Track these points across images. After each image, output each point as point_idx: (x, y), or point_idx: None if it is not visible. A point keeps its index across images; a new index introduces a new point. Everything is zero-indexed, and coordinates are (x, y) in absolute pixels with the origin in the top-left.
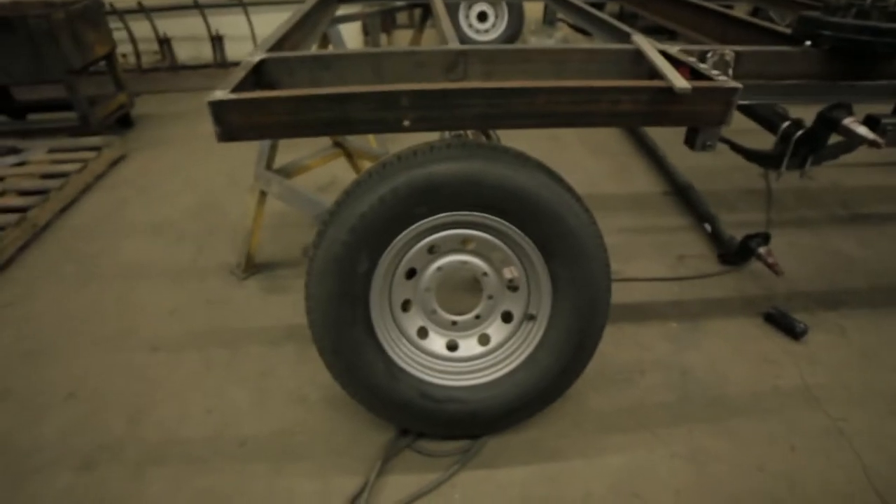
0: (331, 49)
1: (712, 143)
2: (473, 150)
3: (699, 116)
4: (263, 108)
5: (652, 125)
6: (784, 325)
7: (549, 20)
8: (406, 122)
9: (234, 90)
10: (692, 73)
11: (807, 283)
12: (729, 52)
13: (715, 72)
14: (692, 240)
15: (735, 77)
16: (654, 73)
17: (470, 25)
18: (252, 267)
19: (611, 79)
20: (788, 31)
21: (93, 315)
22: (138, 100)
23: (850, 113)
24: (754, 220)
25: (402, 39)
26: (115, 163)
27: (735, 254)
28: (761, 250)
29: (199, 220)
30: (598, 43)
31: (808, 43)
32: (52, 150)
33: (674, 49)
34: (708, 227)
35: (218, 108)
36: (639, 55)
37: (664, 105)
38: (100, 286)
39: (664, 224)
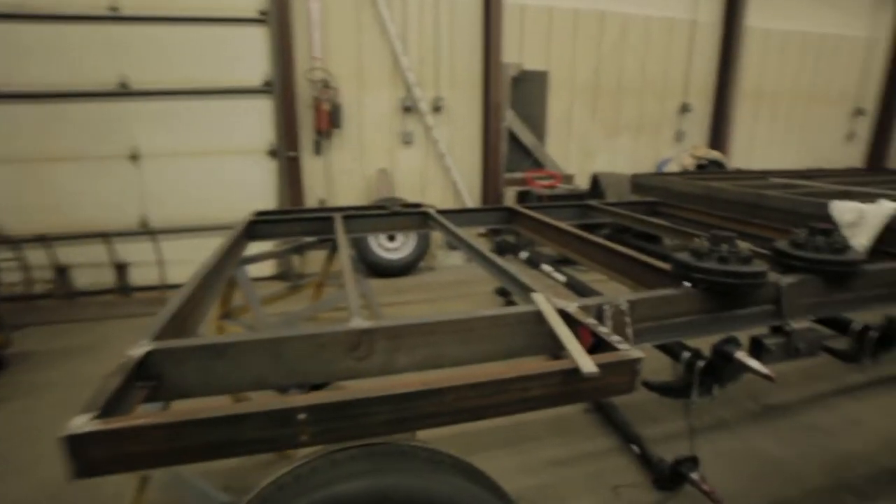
0: (227, 330)
1: None
2: (379, 460)
3: (608, 390)
4: (135, 438)
5: (563, 405)
6: None
7: (451, 245)
8: (304, 438)
9: (102, 413)
10: (592, 335)
11: (743, 499)
12: (623, 302)
13: (616, 338)
14: (622, 465)
15: (633, 322)
16: (556, 338)
17: (380, 245)
18: None
19: (517, 342)
20: (666, 266)
21: None
22: (21, 333)
23: (738, 345)
24: (677, 430)
25: (315, 260)
26: None
27: (669, 479)
28: (694, 476)
29: None
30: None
31: (688, 284)
32: None
33: (572, 307)
34: (636, 448)
35: (75, 442)
36: (540, 317)
37: (573, 385)
38: None
39: (592, 449)
